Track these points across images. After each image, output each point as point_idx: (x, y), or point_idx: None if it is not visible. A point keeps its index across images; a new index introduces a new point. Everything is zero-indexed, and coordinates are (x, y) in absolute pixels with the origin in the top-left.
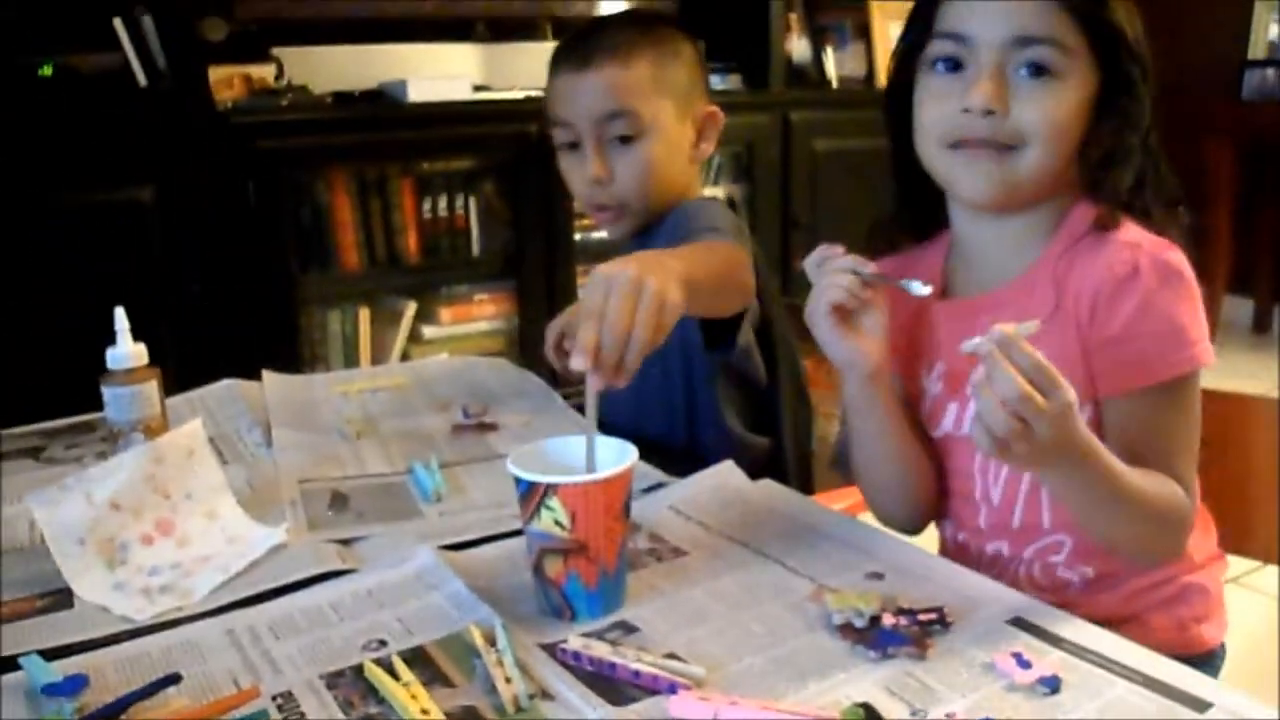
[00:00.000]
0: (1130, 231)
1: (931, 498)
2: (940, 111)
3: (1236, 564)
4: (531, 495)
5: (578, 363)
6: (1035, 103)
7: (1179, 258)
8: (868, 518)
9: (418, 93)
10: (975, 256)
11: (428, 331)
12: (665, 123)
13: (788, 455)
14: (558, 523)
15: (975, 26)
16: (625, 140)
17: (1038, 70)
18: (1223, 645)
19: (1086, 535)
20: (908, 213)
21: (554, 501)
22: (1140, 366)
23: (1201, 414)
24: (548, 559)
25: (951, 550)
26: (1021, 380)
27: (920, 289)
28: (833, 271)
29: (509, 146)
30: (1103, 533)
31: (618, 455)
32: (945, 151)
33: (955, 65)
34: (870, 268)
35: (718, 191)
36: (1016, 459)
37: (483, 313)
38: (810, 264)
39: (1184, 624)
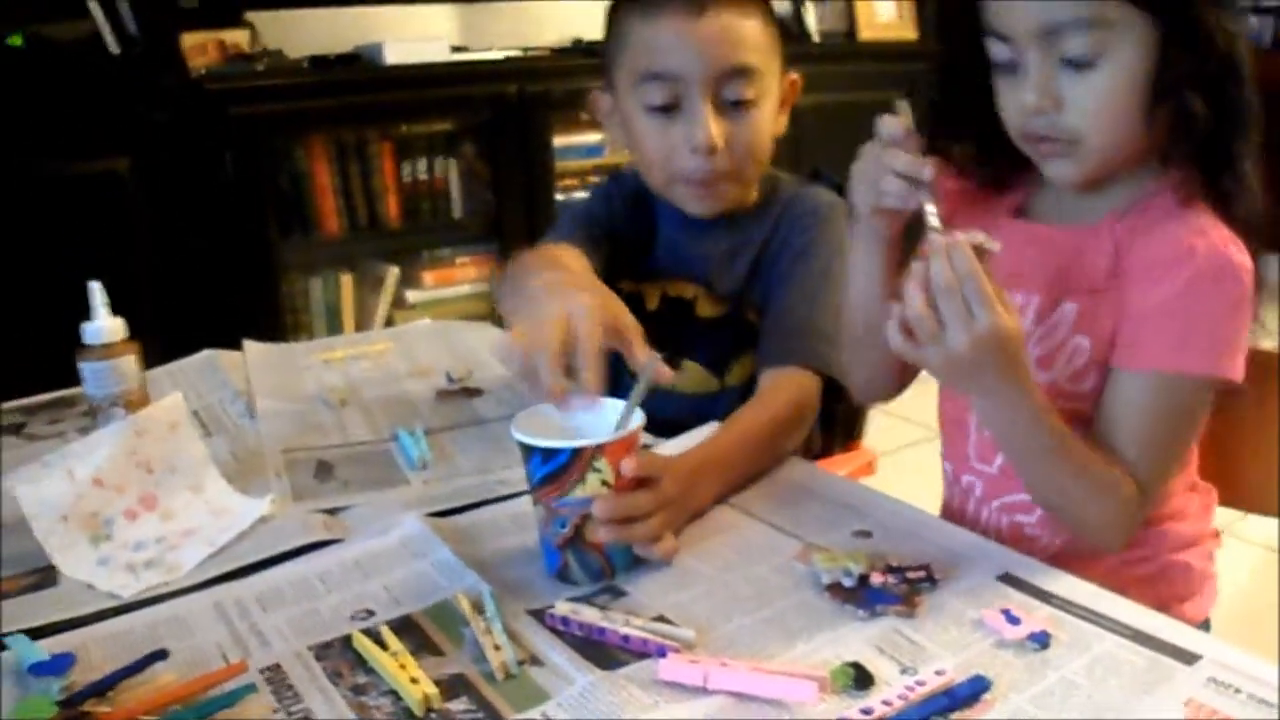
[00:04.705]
0: (1206, 220)
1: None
2: (1008, 108)
3: (1222, 514)
4: (575, 463)
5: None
6: (1080, 98)
7: (1242, 260)
8: (862, 481)
9: (395, 55)
10: (1061, 193)
11: (411, 296)
12: (773, 86)
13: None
14: (604, 482)
15: (1009, 22)
16: (738, 104)
17: (1076, 62)
18: (1207, 620)
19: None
20: (990, 161)
21: (601, 462)
22: (1149, 348)
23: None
24: (590, 524)
25: (950, 487)
26: (953, 279)
27: (991, 244)
28: (893, 175)
29: (488, 108)
30: (1021, 472)
31: (600, 406)
32: (1023, 143)
33: (1010, 64)
34: (929, 172)
35: None
36: (930, 365)
37: (466, 276)
38: (873, 150)
39: (1164, 602)
